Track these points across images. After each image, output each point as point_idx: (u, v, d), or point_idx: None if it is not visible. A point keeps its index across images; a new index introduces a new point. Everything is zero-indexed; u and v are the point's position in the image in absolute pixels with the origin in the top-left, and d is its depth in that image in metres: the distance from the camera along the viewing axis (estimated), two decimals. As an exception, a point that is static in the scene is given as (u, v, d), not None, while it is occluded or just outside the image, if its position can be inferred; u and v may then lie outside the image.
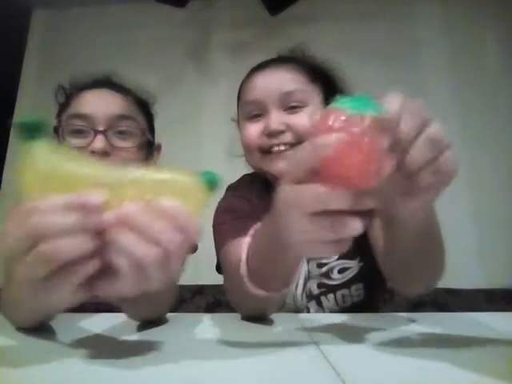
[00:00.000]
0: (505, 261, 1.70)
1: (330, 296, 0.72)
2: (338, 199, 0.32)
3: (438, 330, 0.49)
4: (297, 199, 0.35)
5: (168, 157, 1.08)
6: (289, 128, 0.69)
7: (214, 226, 0.75)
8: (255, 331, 0.51)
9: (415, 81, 2.00)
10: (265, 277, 0.49)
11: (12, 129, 2.25)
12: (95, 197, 0.31)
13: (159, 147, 0.81)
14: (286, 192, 0.36)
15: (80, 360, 0.35)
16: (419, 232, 0.44)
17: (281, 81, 0.72)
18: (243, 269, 0.49)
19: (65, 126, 0.69)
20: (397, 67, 2.01)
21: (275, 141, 0.69)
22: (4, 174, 2.08)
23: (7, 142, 2.12)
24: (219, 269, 0.77)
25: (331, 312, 0.72)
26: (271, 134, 0.69)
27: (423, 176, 0.34)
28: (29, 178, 0.33)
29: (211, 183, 0.35)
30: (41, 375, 0.32)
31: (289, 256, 0.43)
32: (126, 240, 0.31)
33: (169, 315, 0.57)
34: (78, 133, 0.68)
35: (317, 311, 0.73)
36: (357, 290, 0.73)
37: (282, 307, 0.73)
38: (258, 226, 0.50)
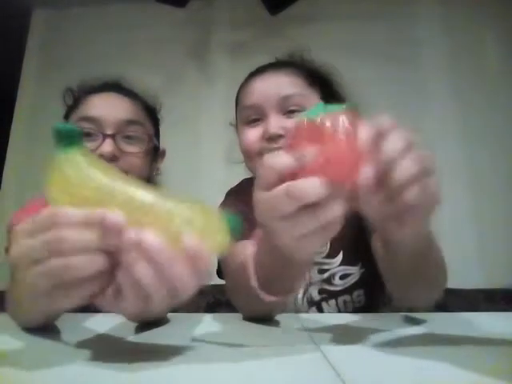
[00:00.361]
0: (505, 261, 1.70)
1: (332, 302, 0.72)
2: (310, 190, 0.33)
3: (438, 330, 0.49)
4: (271, 205, 0.36)
5: (168, 157, 1.08)
6: (288, 132, 0.67)
7: None
8: (255, 331, 0.51)
9: (415, 81, 2.00)
10: (273, 282, 0.48)
11: (12, 129, 2.25)
12: (116, 217, 0.29)
13: (163, 153, 0.82)
14: (260, 200, 0.38)
15: (82, 360, 0.35)
16: (414, 254, 0.46)
17: (279, 85, 0.71)
18: (253, 280, 0.49)
19: None
20: (397, 67, 2.01)
21: (275, 145, 0.68)
22: (4, 174, 2.08)
23: (7, 141, 2.12)
24: (220, 273, 0.76)
25: None
26: (270, 138, 0.68)
27: (408, 194, 0.34)
28: (58, 184, 0.33)
29: (235, 229, 0.34)
30: (44, 376, 0.32)
31: (290, 259, 0.42)
32: (140, 270, 0.30)
33: (169, 315, 0.58)
34: (86, 136, 0.68)
35: None
36: (358, 296, 0.72)
37: (283, 312, 0.72)
38: (259, 233, 0.49)
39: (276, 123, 0.68)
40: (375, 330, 0.49)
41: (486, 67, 1.99)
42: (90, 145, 0.67)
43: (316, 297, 0.72)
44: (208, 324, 0.56)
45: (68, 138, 0.33)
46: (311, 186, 0.33)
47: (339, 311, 0.72)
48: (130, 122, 0.70)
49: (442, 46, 2.04)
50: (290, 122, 0.69)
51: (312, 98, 0.72)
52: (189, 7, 1.97)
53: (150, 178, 0.80)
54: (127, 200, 0.32)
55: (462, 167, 1.86)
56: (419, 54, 2.04)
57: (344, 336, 0.47)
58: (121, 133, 0.69)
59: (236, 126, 0.81)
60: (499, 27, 2.02)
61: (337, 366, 0.34)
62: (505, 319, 0.59)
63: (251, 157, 0.72)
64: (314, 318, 0.62)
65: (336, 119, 0.35)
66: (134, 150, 0.70)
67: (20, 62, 2.24)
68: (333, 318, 0.62)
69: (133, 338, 0.45)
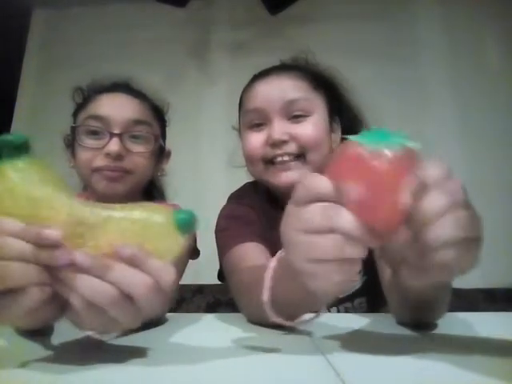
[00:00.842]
0: (505, 261, 1.70)
1: (333, 310, 0.70)
2: (344, 226, 0.30)
3: (438, 330, 0.49)
4: (300, 219, 0.33)
5: (169, 147, 1.06)
6: (292, 138, 0.66)
7: (216, 233, 0.73)
8: (255, 331, 0.51)
9: (415, 80, 2.00)
10: (284, 305, 0.44)
11: (12, 129, 2.24)
12: (53, 232, 0.30)
13: (169, 153, 0.82)
14: (290, 213, 0.34)
15: (80, 361, 0.35)
16: (422, 294, 0.43)
17: (284, 89, 0.69)
18: (266, 296, 0.43)
19: (81, 126, 0.70)
20: (397, 67, 2.01)
21: (278, 151, 0.66)
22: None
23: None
24: (221, 277, 0.75)
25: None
26: (274, 144, 0.66)
27: (443, 254, 0.30)
28: (1, 193, 0.32)
29: (185, 225, 0.33)
30: (40, 377, 0.32)
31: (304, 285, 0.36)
32: (79, 281, 0.30)
33: (169, 315, 0.58)
34: (94, 134, 0.69)
35: None
36: (360, 304, 0.71)
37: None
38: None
39: (280, 129, 0.66)
40: (375, 330, 0.49)
41: (485, 67, 1.99)
42: (97, 143, 0.68)
43: None
44: (207, 324, 0.56)
45: (11, 148, 0.32)
46: (347, 222, 0.30)
47: None
48: (137, 122, 0.71)
49: (441, 45, 2.04)
50: (294, 128, 0.67)
51: (317, 103, 0.70)
52: (189, 7, 1.97)
53: (154, 178, 0.81)
54: (69, 213, 0.32)
55: (461, 167, 1.86)
56: (419, 54, 2.04)
57: (344, 336, 0.47)
58: (128, 132, 0.69)
59: (239, 130, 0.79)
60: (499, 27, 2.02)
61: (336, 365, 0.34)
62: (505, 319, 0.59)
63: (254, 162, 0.70)
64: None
65: (394, 160, 0.30)
66: (140, 150, 0.70)
67: (20, 62, 2.24)
68: (333, 318, 0.62)
69: (132, 337, 0.45)
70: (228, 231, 0.69)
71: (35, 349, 0.39)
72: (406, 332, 0.49)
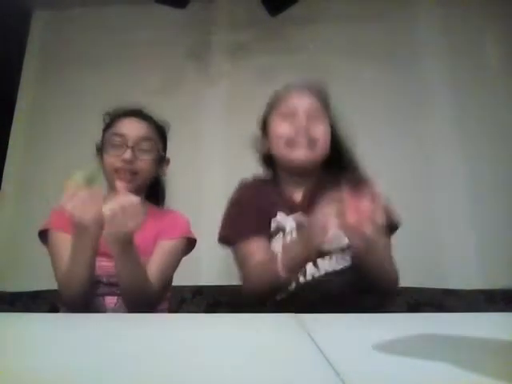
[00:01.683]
0: (504, 262, 1.70)
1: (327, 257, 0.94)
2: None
3: (437, 330, 0.49)
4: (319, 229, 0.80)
5: (169, 156, 1.10)
6: (307, 132, 0.96)
7: (227, 216, 1.00)
8: (254, 332, 0.51)
9: (414, 81, 2.00)
10: (294, 266, 0.87)
11: (12, 129, 2.24)
12: None
13: (168, 161, 1.10)
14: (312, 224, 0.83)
15: (80, 359, 0.35)
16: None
17: (307, 102, 1.00)
18: (281, 267, 0.85)
19: (108, 141, 1.00)
20: (396, 68, 2.01)
21: (299, 136, 0.96)
22: (4, 174, 2.08)
23: (7, 141, 2.12)
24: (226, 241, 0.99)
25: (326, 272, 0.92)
26: (298, 131, 0.96)
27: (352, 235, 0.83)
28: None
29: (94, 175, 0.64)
30: (39, 374, 0.32)
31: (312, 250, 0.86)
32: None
33: (169, 315, 0.58)
34: (115, 146, 0.99)
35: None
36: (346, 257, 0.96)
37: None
38: (288, 244, 0.93)
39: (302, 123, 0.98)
40: (375, 330, 0.49)
41: (484, 67, 2.00)
42: (117, 152, 0.98)
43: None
44: (207, 324, 0.56)
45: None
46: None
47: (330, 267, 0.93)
48: (144, 138, 1.00)
49: (441, 46, 2.05)
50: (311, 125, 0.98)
51: (325, 115, 1.02)
52: (189, 8, 1.97)
53: (157, 179, 1.11)
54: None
55: (461, 168, 1.87)
56: (419, 55, 2.05)
57: (344, 336, 0.47)
58: (138, 145, 0.99)
59: (263, 120, 1.06)
60: (498, 28, 2.03)
61: (336, 365, 0.34)
62: (505, 319, 0.59)
63: (279, 142, 0.99)
64: (314, 317, 0.62)
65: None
66: (146, 158, 1.00)
67: (20, 63, 2.24)
68: (333, 318, 0.62)
69: (131, 336, 0.45)
70: (241, 217, 0.97)
71: (36, 346, 0.39)
72: (406, 332, 0.49)
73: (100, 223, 0.79)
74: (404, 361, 0.36)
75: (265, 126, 1.05)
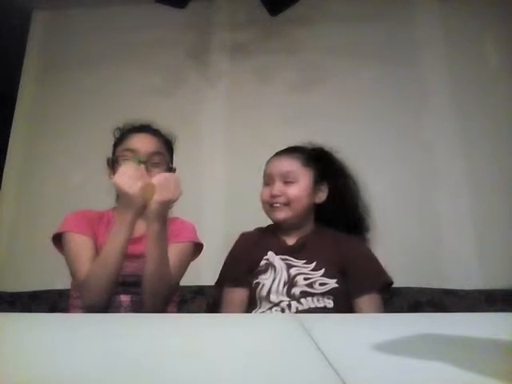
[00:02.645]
0: (504, 262, 1.70)
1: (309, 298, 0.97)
2: None
3: (437, 330, 0.49)
4: None
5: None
6: (283, 194, 1.08)
7: (223, 263, 1.14)
8: (255, 331, 0.51)
9: (414, 81, 2.00)
10: None
11: (12, 129, 2.24)
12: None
13: (175, 171, 1.14)
14: None
15: (80, 360, 0.35)
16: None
17: (283, 164, 1.12)
18: None
19: (119, 156, 1.05)
20: (396, 68, 2.01)
21: (275, 200, 1.09)
22: (4, 174, 2.08)
23: (7, 141, 2.12)
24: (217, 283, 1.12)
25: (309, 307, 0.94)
26: (273, 196, 1.09)
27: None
28: None
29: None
30: (39, 374, 0.32)
31: None
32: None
33: (169, 315, 0.58)
34: (127, 160, 1.01)
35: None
36: (328, 299, 0.98)
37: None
38: None
39: (277, 188, 1.10)
40: (375, 330, 0.49)
41: (484, 67, 2.00)
42: None
43: (297, 295, 0.98)
44: (208, 324, 0.56)
45: None
46: None
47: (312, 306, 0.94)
48: (155, 153, 1.05)
49: (440, 46, 2.05)
50: (285, 188, 1.09)
51: (303, 173, 1.11)
52: (189, 8, 1.97)
53: None
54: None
55: (460, 167, 1.86)
56: (418, 55, 2.05)
57: (344, 336, 0.47)
58: (149, 159, 1.03)
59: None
60: (497, 28, 2.03)
61: (336, 365, 0.34)
62: (505, 319, 0.59)
63: (263, 204, 1.13)
64: (313, 317, 0.62)
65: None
66: (157, 171, 1.03)
67: (20, 63, 2.24)
68: (333, 317, 0.62)
69: (131, 336, 0.45)
70: (225, 270, 1.13)
71: (36, 346, 0.39)
72: (406, 332, 0.49)
73: (145, 196, 0.87)
74: (404, 361, 0.36)
75: None
